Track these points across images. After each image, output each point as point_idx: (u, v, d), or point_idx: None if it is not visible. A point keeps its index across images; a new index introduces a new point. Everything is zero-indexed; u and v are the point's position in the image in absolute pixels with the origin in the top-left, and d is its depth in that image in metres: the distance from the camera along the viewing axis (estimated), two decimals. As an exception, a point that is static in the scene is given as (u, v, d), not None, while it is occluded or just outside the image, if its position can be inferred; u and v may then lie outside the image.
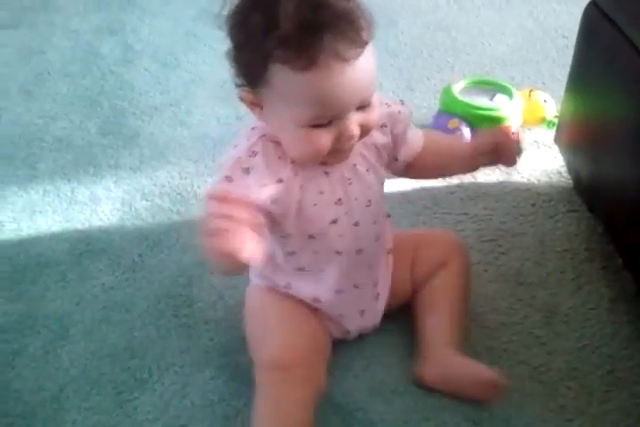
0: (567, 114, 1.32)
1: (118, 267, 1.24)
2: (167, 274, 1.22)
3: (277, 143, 0.91)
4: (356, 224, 0.98)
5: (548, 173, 1.42)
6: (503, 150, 1.01)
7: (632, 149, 1.08)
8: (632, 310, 1.14)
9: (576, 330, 1.12)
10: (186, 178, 1.43)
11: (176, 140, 1.53)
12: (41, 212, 1.36)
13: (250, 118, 0.95)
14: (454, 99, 1.43)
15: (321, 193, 0.94)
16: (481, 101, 1.43)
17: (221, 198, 0.78)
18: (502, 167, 1.42)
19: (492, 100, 1.46)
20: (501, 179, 1.41)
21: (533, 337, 1.11)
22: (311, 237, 0.97)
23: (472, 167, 1.07)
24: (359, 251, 1.00)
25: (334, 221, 0.96)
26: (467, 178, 1.40)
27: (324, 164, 0.93)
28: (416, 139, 1.02)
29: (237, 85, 0.90)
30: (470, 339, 1.09)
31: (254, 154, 0.91)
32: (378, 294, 1.07)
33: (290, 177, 0.92)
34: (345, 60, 0.80)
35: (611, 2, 1.13)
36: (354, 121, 0.85)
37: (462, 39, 1.88)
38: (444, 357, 1.02)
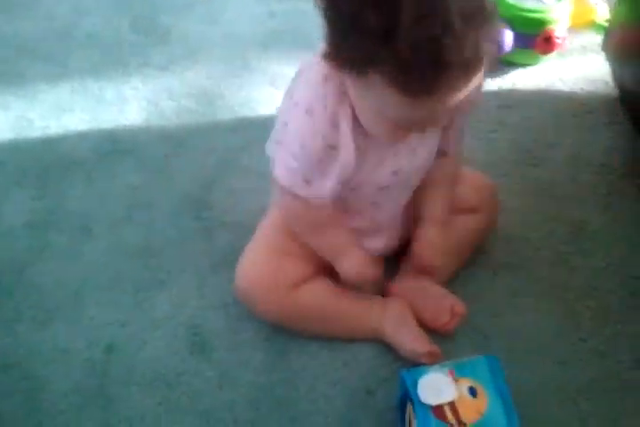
0: (617, 18, 1.22)
1: (142, 167, 1.24)
2: (190, 175, 1.22)
3: (352, 107, 0.83)
4: (405, 187, 0.96)
5: (593, 82, 1.34)
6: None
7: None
8: (664, 229, 1.10)
9: (602, 248, 1.08)
10: (213, 78, 1.39)
11: (207, 39, 1.48)
12: (69, 110, 1.35)
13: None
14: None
15: (381, 162, 0.89)
16: (527, 2, 1.33)
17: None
18: (545, 74, 1.36)
19: (541, 0, 1.36)
20: (542, 86, 1.34)
21: (556, 253, 1.08)
22: (352, 189, 0.93)
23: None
24: (404, 190, 0.97)
25: (383, 188, 0.93)
26: (505, 84, 1.34)
27: None
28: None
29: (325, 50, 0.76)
30: (490, 252, 1.07)
31: (337, 126, 0.83)
32: (407, 223, 1.03)
33: (361, 142, 0.85)
34: (460, 89, 0.72)
35: None
36: (444, 118, 0.80)
37: None
38: (416, 278, 1.01)
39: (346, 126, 0.83)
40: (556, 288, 1.04)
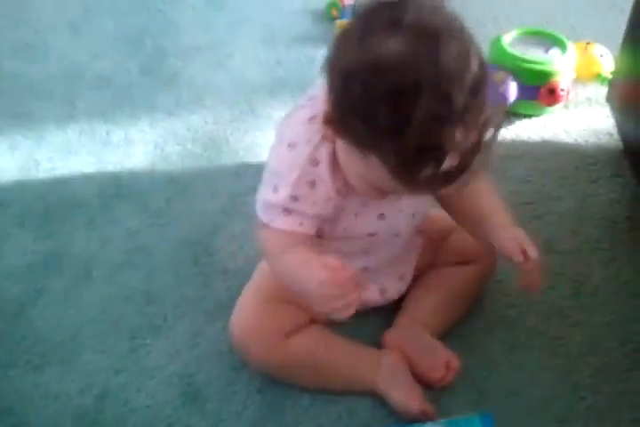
0: (621, 71, 1.23)
1: (145, 211, 1.24)
2: (192, 221, 1.22)
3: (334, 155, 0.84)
4: (397, 235, 0.95)
5: (598, 134, 1.34)
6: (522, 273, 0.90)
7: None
8: (666, 285, 1.09)
9: (604, 304, 1.07)
10: (219, 123, 1.41)
11: (214, 84, 1.50)
12: (76, 152, 1.37)
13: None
14: (503, 50, 1.35)
15: (365, 205, 0.89)
16: (532, 54, 1.35)
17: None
18: (550, 125, 1.36)
19: (546, 52, 1.37)
20: (546, 137, 1.34)
21: (556, 308, 1.07)
22: (346, 238, 0.93)
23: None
24: (393, 237, 0.97)
25: (372, 234, 0.93)
26: (509, 135, 1.34)
27: None
28: None
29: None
30: (488, 305, 1.06)
31: (317, 163, 0.83)
32: (403, 274, 1.04)
33: (341, 185, 0.85)
34: (453, 184, 0.73)
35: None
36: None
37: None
38: (412, 330, 0.99)
39: (325, 167, 0.83)
40: (556, 344, 1.02)
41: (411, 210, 0.94)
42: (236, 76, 1.51)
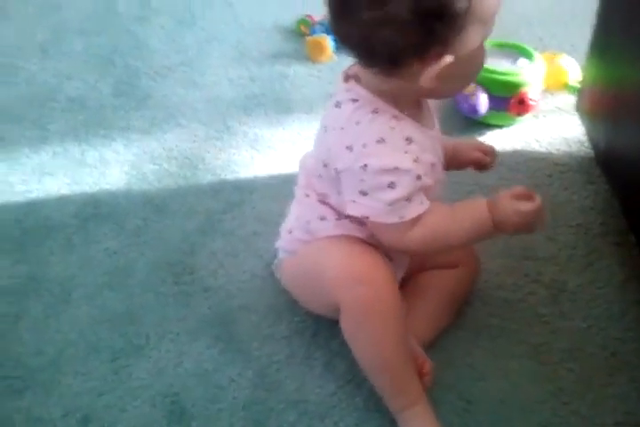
0: (588, 80, 1.26)
1: (122, 231, 1.24)
2: (170, 240, 1.22)
3: (404, 118, 0.87)
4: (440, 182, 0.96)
5: (569, 142, 1.36)
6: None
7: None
8: (642, 289, 1.10)
9: (582, 309, 1.08)
10: (195, 142, 1.41)
11: (187, 103, 1.51)
12: (50, 174, 1.36)
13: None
14: (472, 63, 1.36)
15: (437, 157, 0.92)
16: (500, 65, 1.37)
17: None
18: (522, 132, 1.39)
19: (514, 63, 1.39)
20: (518, 147, 1.36)
21: (537, 315, 1.07)
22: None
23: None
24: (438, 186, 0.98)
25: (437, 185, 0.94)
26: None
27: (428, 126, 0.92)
28: None
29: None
30: (470, 314, 1.07)
31: (410, 141, 0.86)
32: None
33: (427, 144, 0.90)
34: None
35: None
36: None
37: (491, -3, 1.79)
38: None
39: (415, 134, 0.86)
40: (538, 351, 1.03)
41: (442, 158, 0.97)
42: (209, 95, 1.52)
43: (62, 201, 1.31)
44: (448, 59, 0.81)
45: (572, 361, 1.02)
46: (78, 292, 1.15)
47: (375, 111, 0.86)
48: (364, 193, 0.87)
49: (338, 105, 0.89)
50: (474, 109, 1.35)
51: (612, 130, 1.18)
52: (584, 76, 1.28)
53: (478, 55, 0.87)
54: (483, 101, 1.34)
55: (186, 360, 1.04)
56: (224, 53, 1.63)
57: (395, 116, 0.87)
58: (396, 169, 0.85)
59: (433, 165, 0.90)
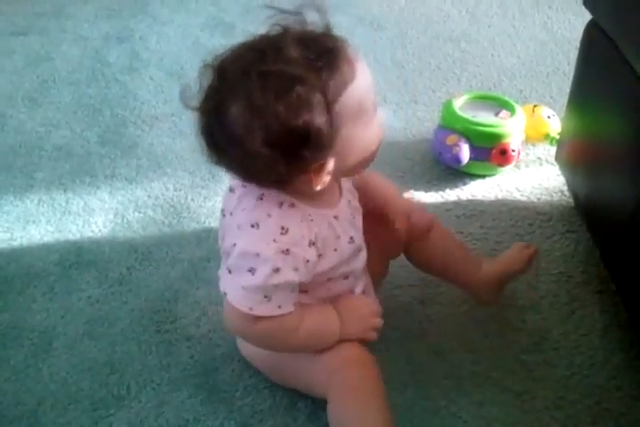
0: (567, 131, 1.28)
1: (105, 280, 1.23)
2: (153, 288, 1.21)
3: (292, 205, 0.88)
4: (359, 249, 0.97)
5: (550, 192, 1.38)
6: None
7: (629, 169, 1.05)
8: (624, 337, 1.10)
9: (565, 357, 1.08)
10: (180, 190, 1.42)
11: (174, 152, 1.52)
12: (34, 222, 1.36)
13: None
14: (454, 114, 1.39)
15: (337, 238, 0.92)
16: (482, 117, 1.40)
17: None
18: (503, 185, 1.41)
19: (496, 115, 1.42)
20: (500, 196, 1.38)
21: (520, 363, 1.07)
22: (329, 279, 0.95)
23: None
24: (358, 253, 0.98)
25: (349, 259, 0.95)
26: (464, 195, 1.38)
27: (330, 206, 0.92)
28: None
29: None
30: (454, 362, 1.07)
31: (286, 231, 0.86)
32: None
33: (315, 235, 0.88)
34: None
35: (610, 20, 1.09)
36: None
37: (472, 50, 1.85)
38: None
39: (296, 229, 0.86)
40: (522, 399, 1.02)
41: (361, 226, 0.97)
42: (196, 144, 1.52)
43: (45, 249, 1.30)
44: (332, 161, 0.83)
45: (556, 409, 1.01)
46: (59, 341, 1.13)
47: (260, 198, 0.88)
48: (229, 270, 0.89)
49: (232, 190, 0.93)
50: (456, 159, 1.37)
51: (591, 180, 1.21)
52: (563, 128, 1.31)
53: (370, 138, 0.87)
54: (465, 152, 1.36)
55: (167, 411, 1.02)
56: (211, 104, 1.65)
57: (280, 203, 0.87)
58: (256, 255, 0.85)
59: (308, 262, 0.87)
